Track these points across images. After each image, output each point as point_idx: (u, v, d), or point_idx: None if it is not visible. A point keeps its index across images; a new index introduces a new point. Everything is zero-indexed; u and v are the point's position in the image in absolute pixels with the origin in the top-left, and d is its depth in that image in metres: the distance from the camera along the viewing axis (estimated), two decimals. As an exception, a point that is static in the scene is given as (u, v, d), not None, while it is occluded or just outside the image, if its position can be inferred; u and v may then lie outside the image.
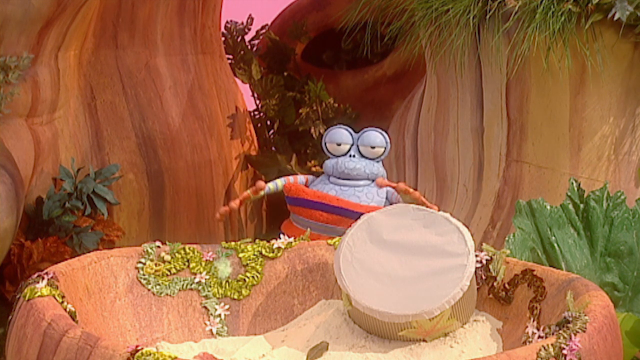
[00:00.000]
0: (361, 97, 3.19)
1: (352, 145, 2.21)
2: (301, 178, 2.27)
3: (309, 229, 1.92)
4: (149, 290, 1.75)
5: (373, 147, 2.19)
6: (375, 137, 2.20)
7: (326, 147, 2.23)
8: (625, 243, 1.94)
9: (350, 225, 1.97)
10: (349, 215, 2.11)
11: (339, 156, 2.21)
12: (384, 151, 2.20)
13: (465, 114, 2.36)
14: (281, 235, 1.85)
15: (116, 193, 2.52)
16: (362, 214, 2.03)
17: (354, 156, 2.20)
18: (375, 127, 2.24)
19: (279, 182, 2.25)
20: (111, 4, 2.54)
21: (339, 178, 2.20)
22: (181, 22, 2.68)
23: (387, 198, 2.18)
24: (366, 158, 2.20)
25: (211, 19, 2.77)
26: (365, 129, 2.22)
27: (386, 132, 2.23)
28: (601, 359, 1.42)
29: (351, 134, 2.21)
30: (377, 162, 2.20)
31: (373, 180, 2.20)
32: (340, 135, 2.22)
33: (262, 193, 2.22)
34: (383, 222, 1.73)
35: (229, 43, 3.00)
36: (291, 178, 2.26)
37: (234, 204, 2.20)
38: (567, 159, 2.22)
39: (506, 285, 1.70)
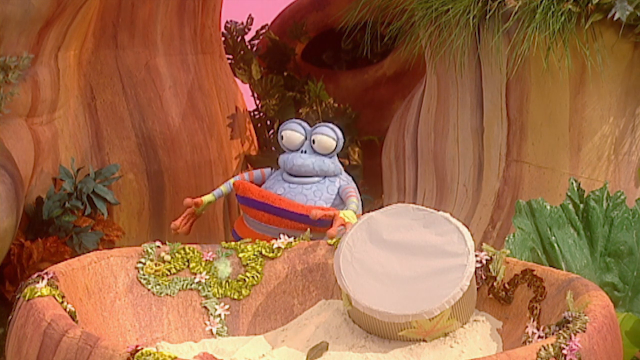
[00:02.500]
0: (361, 97, 3.18)
1: (305, 139, 2.12)
2: (257, 173, 2.19)
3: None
4: (149, 290, 1.75)
5: (323, 142, 2.11)
6: (327, 131, 2.12)
7: (281, 141, 2.14)
8: (625, 243, 1.94)
9: (291, 227, 1.96)
10: (289, 216, 2.02)
11: (292, 151, 2.13)
12: (336, 147, 2.12)
13: (465, 114, 2.36)
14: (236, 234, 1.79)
15: (116, 193, 2.51)
16: (301, 215, 2.01)
17: (305, 152, 2.11)
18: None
19: (231, 182, 2.13)
20: (111, 4, 2.54)
21: (290, 174, 2.12)
22: (181, 22, 2.68)
23: (337, 194, 2.11)
24: (318, 154, 2.14)
25: (211, 19, 2.77)
26: (318, 124, 2.15)
27: (339, 127, 2.15)
28: (601, 359, 1.42)
29: (304, 128, 2.13)
30: (330, 157, 2.10)
31: (325, 177, 2.11)
32: (292, 130, 2.14)
33: (209, 200, 2.13)
34: (383, 222, 1.73)
35: (229, 43, 3.00)
36: (246, 175, 2.17)
37: (178, 222, 2.09)
38: (567, 159, 2.22)
39: (506, 285, 1.70)
